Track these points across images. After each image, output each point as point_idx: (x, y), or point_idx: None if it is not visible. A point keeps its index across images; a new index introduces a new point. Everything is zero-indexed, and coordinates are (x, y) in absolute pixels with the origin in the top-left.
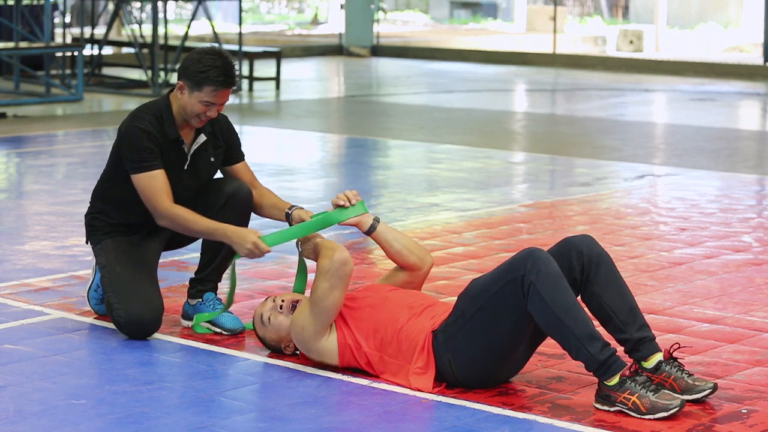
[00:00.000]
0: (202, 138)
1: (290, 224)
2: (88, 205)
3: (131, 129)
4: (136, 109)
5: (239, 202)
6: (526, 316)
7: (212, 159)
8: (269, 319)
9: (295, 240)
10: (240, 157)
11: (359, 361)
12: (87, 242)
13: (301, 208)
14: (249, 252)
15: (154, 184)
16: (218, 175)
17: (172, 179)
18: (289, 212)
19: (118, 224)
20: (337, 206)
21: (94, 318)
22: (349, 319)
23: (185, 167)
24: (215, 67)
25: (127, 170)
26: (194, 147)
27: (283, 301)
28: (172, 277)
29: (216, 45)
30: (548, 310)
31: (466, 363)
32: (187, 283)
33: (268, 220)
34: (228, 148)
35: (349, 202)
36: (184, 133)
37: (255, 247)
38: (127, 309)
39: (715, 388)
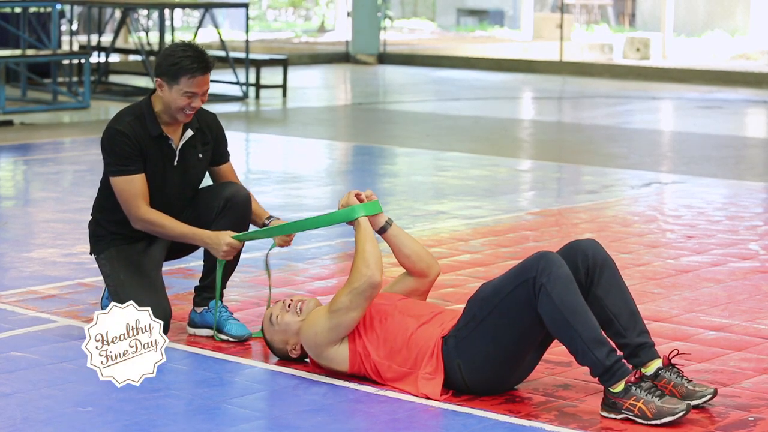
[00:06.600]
0: (189, 133)
1: None
2: (90, 217)
3: (110, 131)
4: (117, 113)
5: (238, 205)
6: (537, 319)
7: (200, 155)
8: (277, 318)
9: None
10: (226, 157)
11: (368, 369)
12: (91, 253)
13: (278, 219)
14: (225, 254)
15: (130, 188)
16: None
17: (161, 177)
18: (267, 223)
19: (119, 233)
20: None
21: None
22: (361, 327)
23: (174, 163)
24: (187, 57)
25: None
26: (182, 142)
27: (292, 300)
28: (178, 285)
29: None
30: (557, 312)
31: (477, 367)
32: (193, 290)
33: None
34: (215, 147)
35: (357, 198)
36: (170, 131)
37: (230, 247)
38: None
39: (715, 393)
